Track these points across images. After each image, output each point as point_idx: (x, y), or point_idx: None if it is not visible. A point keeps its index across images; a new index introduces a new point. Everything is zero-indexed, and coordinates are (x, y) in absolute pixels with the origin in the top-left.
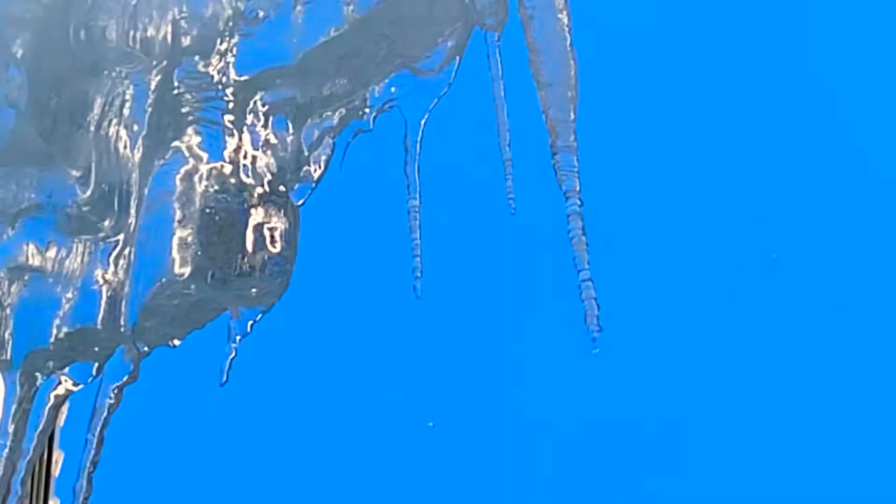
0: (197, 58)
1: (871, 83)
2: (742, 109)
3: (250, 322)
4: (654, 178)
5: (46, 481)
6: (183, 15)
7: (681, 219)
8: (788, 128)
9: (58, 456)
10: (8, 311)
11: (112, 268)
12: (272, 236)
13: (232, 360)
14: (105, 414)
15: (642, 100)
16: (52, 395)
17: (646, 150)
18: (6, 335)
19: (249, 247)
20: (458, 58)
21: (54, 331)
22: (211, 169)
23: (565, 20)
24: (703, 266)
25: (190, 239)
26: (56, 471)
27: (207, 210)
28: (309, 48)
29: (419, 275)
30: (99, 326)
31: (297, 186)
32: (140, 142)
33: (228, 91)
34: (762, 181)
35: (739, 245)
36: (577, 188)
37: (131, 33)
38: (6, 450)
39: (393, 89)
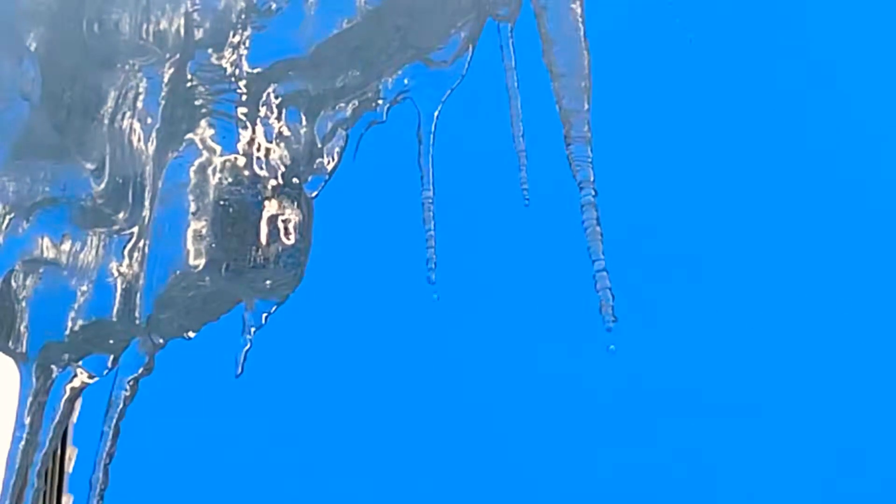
0: (210, 50)
1: (880, 73)
2: (755, 99)
3: (265, 314)
4: (667, 167)
5: (60, 477)
6: (196, 7)
7: (693, 209)
8: (799, 114)
9: (71, 452)
10: (24, 303)
11: (127, 260)
12: (286, 228)
13: (247, 351)
14: (121, 406)
15: (656, 90)
16: (67, 388)
17: (659, 140)
18: (22, 328)
19: (263, 239)
20: (471, 49)
21: (69, 323)
22: (225, 161)
23: (578, 10)
24: (715, 257)
25: (204, 231)
26: (69, 467)
27: (221, 202)
28: (321, 40)
29: (433, 266)
30: (114, 319)
31: (310, 178)
32: (154, 134)
33: (241, 83)
34: (774, 170)
35: (749, 238)
36: (591, 178)
37: (144, 26)
38: (22, 442)
39: (406, 81)
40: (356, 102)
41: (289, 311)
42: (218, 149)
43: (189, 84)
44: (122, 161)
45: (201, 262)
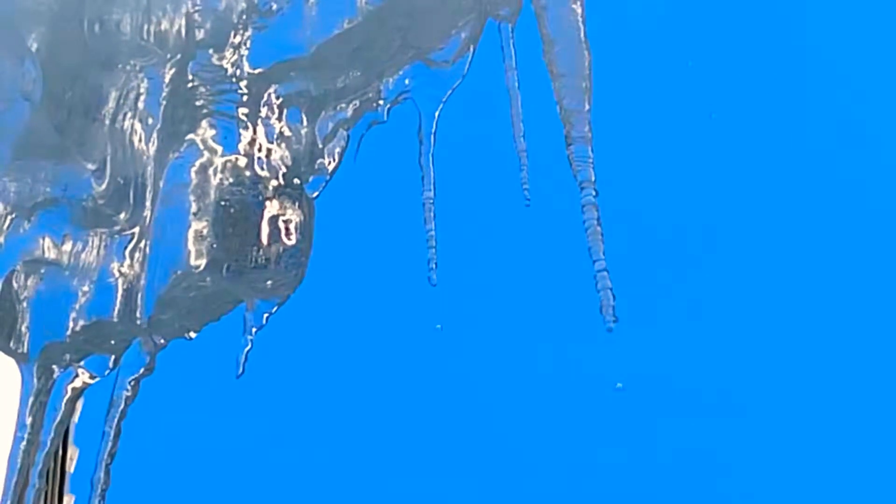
0: (211, 51)
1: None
2: (757, 99)
3: (266, 314)
4: (668, 167)
5: (61, 477)
6: (196, 8)
7: (695, 209)
8: (801, 115)
9: (73, 452)
10: (25, 304)
11: (128, 260)
12: (287, 228)
13: (248, 351)
14: (122, 406)
15: (657, 90)
16: (68, 388)
17: (660, 141)
18: (23, 328)
19: (265, 239)
20: (472, 49)
21: (71, 324)
22: (226, 161)
23: (579, 10)
24: (717, 257)
25: (205, 231)
26: (71, 467)
27: (222, 202)
28: (323, 40)
29: (434, 266)
30: (115, 319)
31: (311, 179)
32: (155, 135)
33: (242, 84)
34: (776, 170)
35: (751, 238)
36: (592, 179)
37: (145, 27)
38: (24, 442)
39: (407, 81)
40: (357, 103)
41: (290, 312)
42: (219, 149)
43: (190, 84)
44: (124, 161)
45: (202, 262)
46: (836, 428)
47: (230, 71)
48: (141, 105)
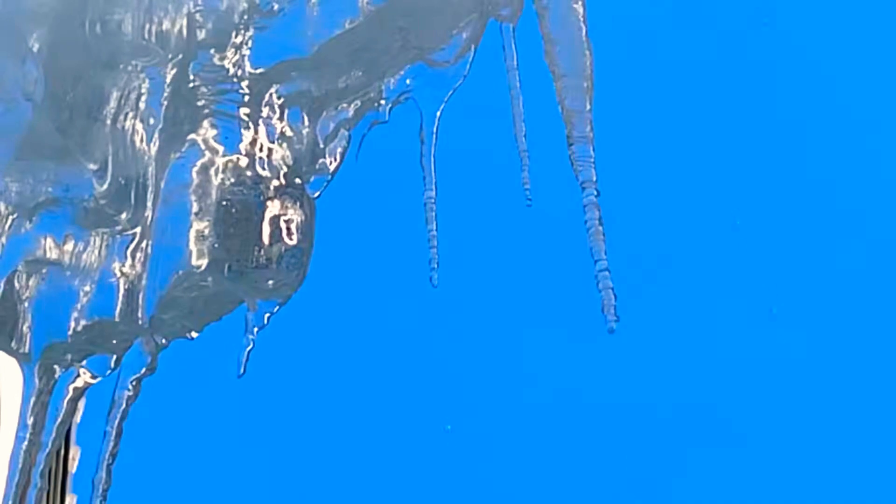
0: (212, 51)
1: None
2: (758, 99)
3: (267, 314)
4: (669, 167)
5: (63, 477)
6: (198, 8)
7: (697, 209)
8: (802, 115)
9: (74, 452)
10: (26, 304)
11: (129, 261)
12: (288, 228)
13: (249, 352)
14: (123, 406)
15: (658, 90)
16: (70, 388)
17: (661, 141)
18: (25, 328)
19: (266, 239)
20: (473, 49)
21: (72, 324)
22: (227, 161)
23: (581, 10)
24: (718, 257)
25: (206, 231)
26: (73, 467)
27: (224, 202)
28: (324, 40)
29: (435, 266)
30: (117, 319)
31: (312, 179)
32: (156, 135)
33: (244, 84)
34: (778, 171)
35: (753, 238)
36: (594, 179)
37: (147, 27)
38: (25, 442)
39: (408, 81)
40: (358, 103)
41: (291, 312)
42: (220, 149)
43: (191, 84)
44: (125, 161)
45: (204, 262)
46: (843, 430)
47: (232, 71)
48: (142, 105)
